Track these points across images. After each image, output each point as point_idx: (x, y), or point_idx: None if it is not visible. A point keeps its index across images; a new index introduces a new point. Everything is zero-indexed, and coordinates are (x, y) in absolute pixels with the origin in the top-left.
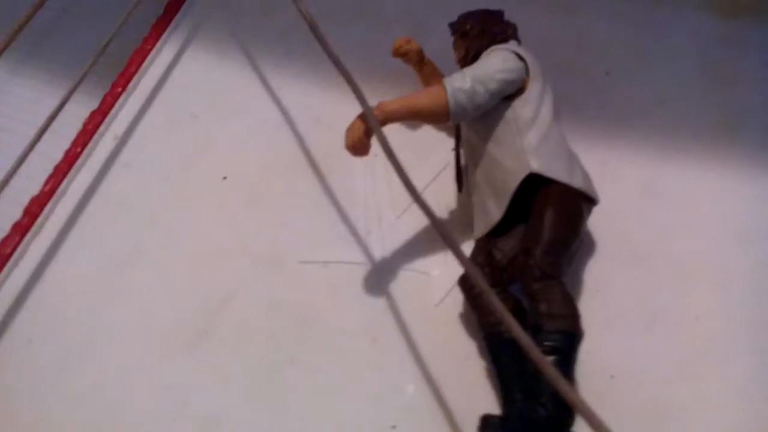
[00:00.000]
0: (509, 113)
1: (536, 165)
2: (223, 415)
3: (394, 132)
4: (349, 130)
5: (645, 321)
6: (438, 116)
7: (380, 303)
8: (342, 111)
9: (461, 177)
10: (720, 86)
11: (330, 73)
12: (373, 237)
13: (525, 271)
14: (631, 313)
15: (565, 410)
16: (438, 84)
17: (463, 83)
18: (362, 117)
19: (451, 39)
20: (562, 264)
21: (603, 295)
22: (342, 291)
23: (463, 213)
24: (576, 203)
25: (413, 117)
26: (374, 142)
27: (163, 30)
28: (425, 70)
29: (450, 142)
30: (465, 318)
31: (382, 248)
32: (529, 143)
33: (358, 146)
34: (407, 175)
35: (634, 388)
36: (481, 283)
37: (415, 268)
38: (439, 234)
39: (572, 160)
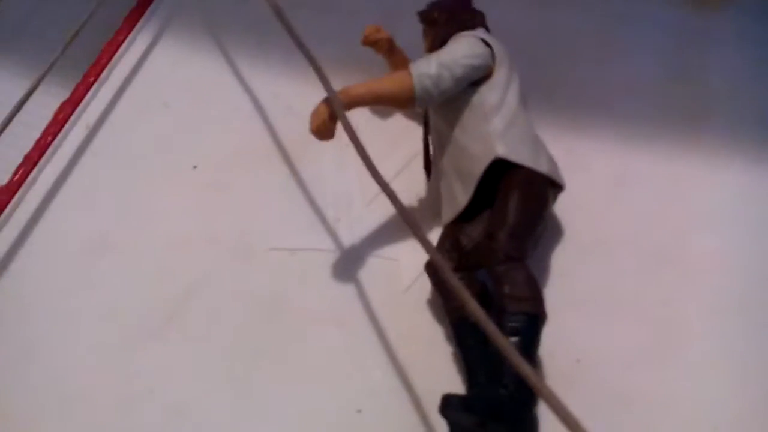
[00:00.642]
0: (475, 99)
1: (502, 150)
2: (189, 402)
3: (364, 120)
4: (314, 114)
5: (611, 306)
6: (403, 101)
7: (348, 289)
8: (313, 100)
9: (430, 165)
10: (688, 76)
11: (301, 62)
12: (342, 224)
13: (489, 254)
14: (597, 297)
15: (526, 392)
16: (404, 70)
17: (429, 68)
18: (327, 101)
19: (421, 28)
20: (526, 247)
21: (569, 279)
22: (310, 278)
23: (433, 201)
24: (541, 188)
25: (378, 102)
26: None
27: (136, 21)
28: (395, 58)
29: (419, 132)
30: (432, 304)
31: (350, 235)
32: (495, 129)
33: (322, 130)
34: (371, 160)
35: (599, 372)
36: (443, 266)
37: (383, 255)
38: (403, 219)
39: (538, 145)
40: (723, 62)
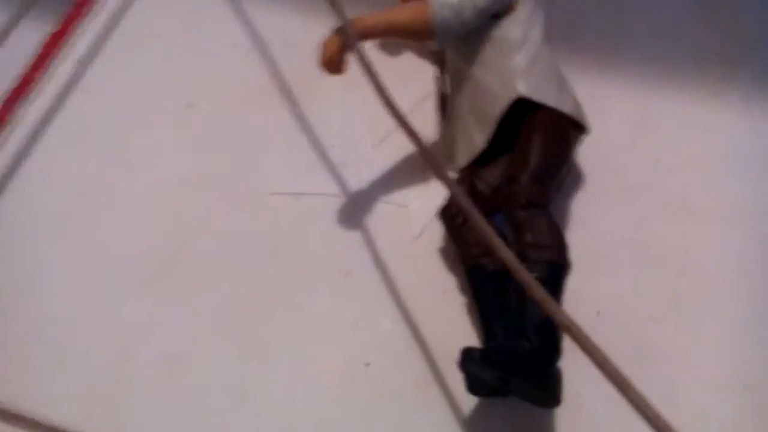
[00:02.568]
0: (497, 33)
1: (524, 88)
2: (186, 352)
3: (372, 58)
4: (324, 45)
5: (633, 255)
6: (421, 33)
7: (355, 236)
8: (317, 35)
9: (444, 105)
10: (719, 18)
11: None
12: (348, 168)
13: (510, 199)
14: (619, 246)
15: (550, 344)
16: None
17: None
18: (338, 32)
19: None
20: (549, 192)
21: (590, 227)
22: (314, 224)
23: (444, 145)
24: (565, 129)
25: (393, 33)
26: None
27: None
28: None
29: (431, 72)
30: (444, 252)
31: (357, 180)
32: (517, 66)
33: (332, 62)
34: (387, 92)
35: (621, 324)
36: (466, 204)
37: (392, 201)
38: (422, 155)
39: (562, 84)
40: (756, 5)
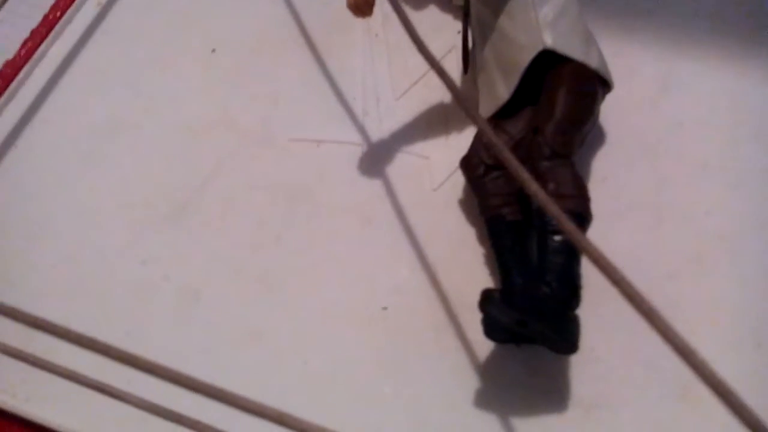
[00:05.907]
0: None
1: (551, 41)
2: (205, 289)
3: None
4: None
5: (653, 213)
6: None
7: (375, 185)
8: None
9: (467, 57)
10: None
11: None
12: (370, 118)
13: (534, 149)
14: (640, 204)
15: (569, 290)
16: None
17: None
18: None
19: None
20: (573, 144)
21: (611, 183)
22: (335, 171)
23: (470, 95)
24: (591, 83)
25: None
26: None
27: None
28: None
29: (455, 26)
30: (464, 203)
31: (379, 130)
32: (544, 17)
33: (361, 3)
34: (417, 33)
35: (640, 281)
36: (495, 140)
37: (413, 152)
38: (453, 96)
39: (589, 38)
40: None
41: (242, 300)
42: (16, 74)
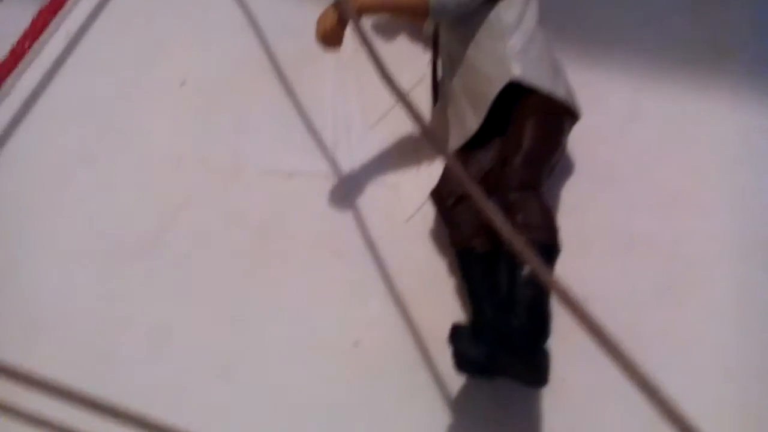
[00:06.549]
0: (492, 16)
1: (518, 71)
2: (173, 327)
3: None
4: (321, 18)
5: (622, 243)
6: (417, 11)
7: (345, 217)
8: (312, 16)
9: (437, 88)
10: (709, 9)
11: None
12: (340, 148)
13: (502, 180)
14: (608, 234)
15: (538, 323)
16: None
17: None
18: (335, 5)
19: None
20: (541, 175)
21: (580, 214)
22: (305, 203)
23: (437, 129)
24: (558, 115)
25: (390, 10)
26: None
27: None
28: None
29: (425, 57)
30: (435, 234)
31: (349, 161)
32: (511, 49)
33: (329, 36)
34: (386, 67)
35: (609, 311)
36: (463, 174)
37: (384, 182)
38: (421, 130)
39: (556, 70)
40: None
41: (212, 336)
42: None
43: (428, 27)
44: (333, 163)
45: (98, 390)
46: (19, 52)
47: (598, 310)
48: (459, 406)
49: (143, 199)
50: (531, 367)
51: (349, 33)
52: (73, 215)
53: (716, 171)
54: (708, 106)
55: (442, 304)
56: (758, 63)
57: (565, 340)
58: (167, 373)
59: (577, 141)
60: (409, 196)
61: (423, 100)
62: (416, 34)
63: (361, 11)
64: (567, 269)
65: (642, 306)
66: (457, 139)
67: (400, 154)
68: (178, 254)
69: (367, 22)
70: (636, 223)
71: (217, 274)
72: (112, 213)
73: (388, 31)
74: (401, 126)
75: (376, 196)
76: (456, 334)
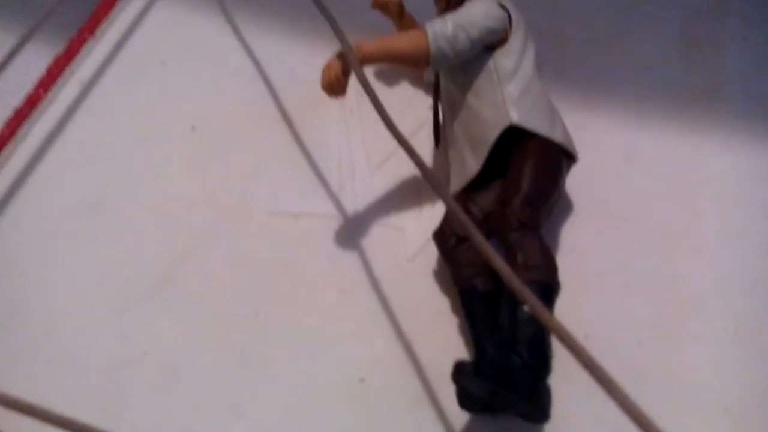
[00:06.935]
0: (490, 64)
1: (516, 117)
2: (184, 366)
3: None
4: (326, 68)
5: (621, 281)
6: (417, 60)
7: (351, 257)
8: (318, 65)
9: (439, 131)
10: (701, 54)
11: (306, 26)
12: (346, 191)
13: (502, 221)
14: (607, 272)
15: (540, 360)
16: (419, 29)
17: (445, 28)
18: (340, 56)
19: None
20: (540, 216)
21: (579, 253)
22: (312, 244)
23: (439, 171)
24: (555, 157)
25: (391, 60)
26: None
27: None
28: (404, 23)
29: (427, 101)
30: (438, 274)
31: (354, 202)
32: (509, 95)
33: (334, 85)
34: (387, 114)
35: (609, 348)
36: (464, 218)
37: (388, 223)
38: (422, 175)
39: (553, 114)
40: (736, 41)
41: (221, 375)
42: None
43: (429, 74)
44: (338, 204)
45: (109, 427)
46: (34, 99)
47: (598, 347)
48: None
49: (154, 240)
50: (533, 403)
51: (353, 81)
52: (86, 255)
53: (712, 209)
54: (702, 147)
55: (445, 342)
56: (750, 105)
57: (566, 376)
58: (177, 411)
59: (576, 182)
60: (412, 237)
61: (426, 143)
62: (418, 80)
63: (364, 61)
64: (567, 308)
65: (642, 343)
66: (458, 181)
67: (403, 196)
68: (187, 294)
69: (371, 70)
70: (634, 262)
71: (226, 314)
72: (124, 253)
73: (390, 77)
74: (404, 169)
75: (380, 236)
76: (459, 371)
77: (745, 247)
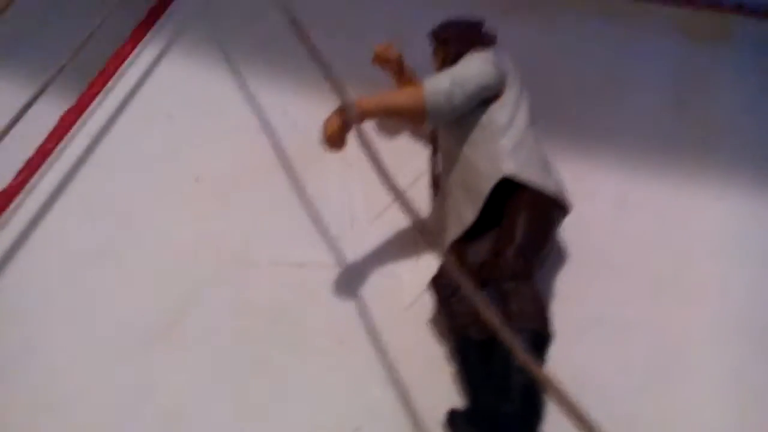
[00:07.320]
0: (485, 117)
1: (510, 169)
2: (185, 413)
3: (370, 140)
4: (326, 122)
5: (614, 329)
6: (415, 116)
7: (349, 305)
8: (319, 117)
9: (437, 182)
10: (693, 106)
11: (308, 79)
12: (344, 241)
13: (496, 270)
14: (601, 320)
15: (532, 408)
16: (416, 86)
17: (442, 84)
18: (340, 111)
19: (430, 49)
20: (533, 266)
21: (573, 301)
22: (311, 293)
23: (437, 222)
24: (548, 208)
25: (390, 115)
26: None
27: (144, 33)
28: (404, 78)
29: (424, 154)
30: (434, 323)
31: (353, 252)
32: (503, 147)
33: (334, 139)
34: (385, 168)
35: (602, 397)
36: (455, 272)
37: (385, 272)
38: (415, 228)
39: (546, 165)
40: (726, 92)
41: (220, 423)
42: (9, 203)
43: (427, 126)
44: (338, 253)
45: None
46: (45, 151)
47: (592, 397)
48: None
49: (158, 288)
50: None
51: (353, 134)
52: (90, 304)
53: (705, 257)
54: (696, 196)
55: (440, 389)
56: (743, 153)
57: (558, 424)
58: None
59: (570, 230)
60: (409, 285)
61: (425, 191)
62: (417, 131)
63: (363, 116)
64: (561, 356)
65: (636, 392)
66: (454, 230)
67: (401, 246)
68: (190, 341)
69: (370, 123)
70: (628, 310)
71: (227, 361)
72: (128, 302)
73: (390, 128)
74: (402, 219)
75: (378, 284)
76: (452, 419)
77: (738, 295)
